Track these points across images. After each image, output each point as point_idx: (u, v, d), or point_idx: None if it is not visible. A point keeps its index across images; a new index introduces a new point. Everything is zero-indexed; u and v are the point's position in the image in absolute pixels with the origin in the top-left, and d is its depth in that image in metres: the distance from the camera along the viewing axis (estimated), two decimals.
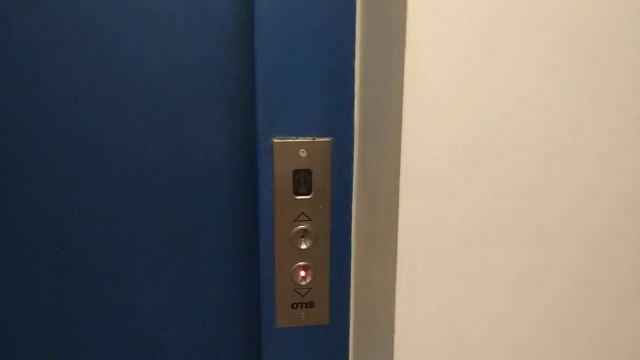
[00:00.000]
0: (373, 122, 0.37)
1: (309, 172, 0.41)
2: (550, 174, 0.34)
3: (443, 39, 0.29)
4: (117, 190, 0.41)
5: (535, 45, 0.31)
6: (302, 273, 0.42)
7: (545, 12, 0.30)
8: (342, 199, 0.42)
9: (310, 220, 0.42)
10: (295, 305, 0.43)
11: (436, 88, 0.30)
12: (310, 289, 0.43)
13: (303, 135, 0.40)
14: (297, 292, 0.43)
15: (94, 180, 0.41)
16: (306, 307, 0.43)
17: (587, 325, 0.37)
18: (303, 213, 0.41)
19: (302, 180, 0.41)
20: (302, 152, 0.40)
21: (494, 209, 0.33)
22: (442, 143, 0.31)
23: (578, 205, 0.35)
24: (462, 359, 0.35)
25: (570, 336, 0.37)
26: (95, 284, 0.43)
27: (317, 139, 0.40)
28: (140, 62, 0.39)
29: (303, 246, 0.42)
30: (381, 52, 0.34)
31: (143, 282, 0.43)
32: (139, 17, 0.38)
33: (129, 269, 0.43)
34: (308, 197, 0.41)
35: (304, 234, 0.42)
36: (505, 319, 0.36)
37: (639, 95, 0.33)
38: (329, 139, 0.41)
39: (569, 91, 0.32)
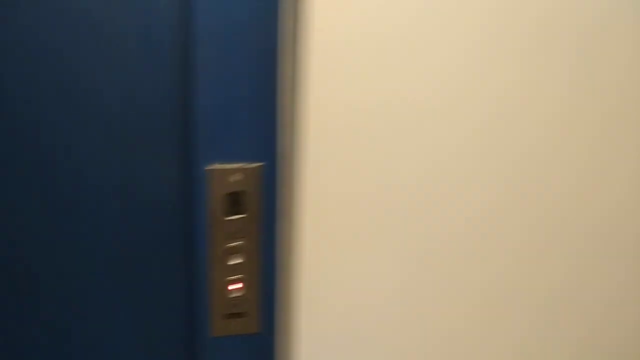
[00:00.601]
0: (292, 148, 0.41)
1: (242, 194, 0.45)
2: (446, 166, 0.40)
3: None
4: (61, 208, 0.43)
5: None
6: (234, 286, 0.46)
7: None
8: (271, 218, 0.46)
9: (243, 237, 0.46)
10: (228, 316, 0.47)
11: (338, 124, 0.35)
12: (242, 300, 0.47)
13: (237, 161, 0.44)
14: (230, 303, 0.47)
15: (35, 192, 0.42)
16: (238, 317, 0.47)
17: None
18: (235, 232, 0.45)
19: (235, 202, 0.45)
20: (235, 176, 0.44)
21: (406, 238, 0.39)
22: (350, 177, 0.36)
23: (470, 198, 0.42)
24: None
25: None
26: (36, 293, 0.44)
27: (249, 165, 0.44)
28: (76, 94, 0.41)
29: (235, 261, 0.46)
30: (290, 88, 0.39)
31: (84, 297, 0.45)
32: (75, 41, 0.40)
33: (69, 285, 0.45)
34: (241, 216, 0.45)
35: (236, 250, 0.46)
36: (405, 323, 0.42)
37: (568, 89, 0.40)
38: (260, 164, 0.45)
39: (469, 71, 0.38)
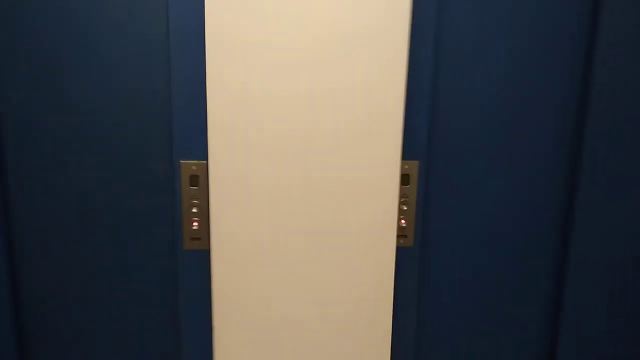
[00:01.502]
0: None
1: (197, 177, 0.89)
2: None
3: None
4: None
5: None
6: (195, 223, 0.91)
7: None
8: (207, 189, 0.89)
9: (198, 198, 0.90)
10: (191, 239, 0.91)
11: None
12: (198, 230, 0.91)
13: (195, 159, 0.88)
14: (193, 231, 0.91)
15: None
16: (197, 240, 0.91)
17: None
18: (194, 194, 0.89)
19: (195, 180, 0.89)
20: (194, 168, 0.88)
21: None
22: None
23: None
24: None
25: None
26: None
27: (200, 161, 0.88)
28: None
29: (194, 210, 0.90)
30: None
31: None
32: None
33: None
34: (197, 188, 0.89)
35: (195, 204, 0.90)
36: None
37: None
38: (204, 162, 0.88)
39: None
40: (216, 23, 0.78)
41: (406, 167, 0.92)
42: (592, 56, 0.91)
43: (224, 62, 0.79)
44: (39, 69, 0.85)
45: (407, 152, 0.91)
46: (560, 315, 1.02)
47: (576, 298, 1.01)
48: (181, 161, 0.87)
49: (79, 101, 0.87)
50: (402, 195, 0.93)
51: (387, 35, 0.80)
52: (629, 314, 1.03)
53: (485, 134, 0.95)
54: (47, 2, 0.83)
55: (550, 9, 0.91)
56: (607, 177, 0.95)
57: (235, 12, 0.78)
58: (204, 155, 0.87)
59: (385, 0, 0.79)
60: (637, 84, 0.92)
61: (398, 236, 0.94)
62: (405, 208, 0.94)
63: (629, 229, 0.98)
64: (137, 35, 0.85)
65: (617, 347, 1.05)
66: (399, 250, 0.94)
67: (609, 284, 1.01)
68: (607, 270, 1.00)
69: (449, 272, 1.01)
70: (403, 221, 0.95)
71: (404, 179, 0.93)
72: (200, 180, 0.88)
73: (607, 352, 1.05)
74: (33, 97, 0.87)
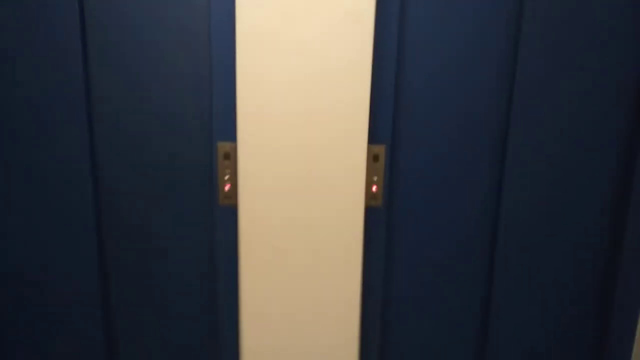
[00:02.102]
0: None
1: (229, 153, 1.29)
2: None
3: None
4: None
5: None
6: (227, 185, 1.31)
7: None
8: (236, 163, 1.29)
9: (230, 168, 1.30)
10: (225, 196, 1.31)
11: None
12: (230, 191, 1.31)
13: (229, 140, 1.28)
14: (227, 192, 1.31)
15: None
16: (229, 198, 1.31)
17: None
18: (227, 166, 1.29)
19: (227, 156, 1.29)
20: (227, 147, 1.28)
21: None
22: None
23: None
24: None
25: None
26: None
27: (232, 142, 1.28)
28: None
29: (227, 176, 1.30)
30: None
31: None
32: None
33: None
34: (229, 161, 1.29)
35: (228, 172, 1.30)
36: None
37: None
38: (235, 143, 1.28)
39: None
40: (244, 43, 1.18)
41: (376, 149, 1.30)
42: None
43: (249, 68, 1.19)
44: (123, 71, 1.27)
45: (375, 137, 1.29)
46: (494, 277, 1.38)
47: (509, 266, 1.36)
48: (218, 142, 1.28)
49: (151, 93, 1.29)
50: (374, 169, 1.31)
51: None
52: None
53: (442, 116, 1.32)
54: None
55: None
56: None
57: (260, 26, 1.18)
58: (234, 138, 1.27)
59: (352, 2, 1.18)
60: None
61: (370, 199, 1.32)
62: (375, 178, 1.32)
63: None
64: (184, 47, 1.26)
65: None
66: (370, 209, 1.32)
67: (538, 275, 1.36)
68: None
69: (409, 227, 1.38)
70: (374, 188, 1.33)
71: (375, 158, 1.31)
72: (232, 156, 1.29)
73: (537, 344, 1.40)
74: (119, 97, 1.29)
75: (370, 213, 1.33)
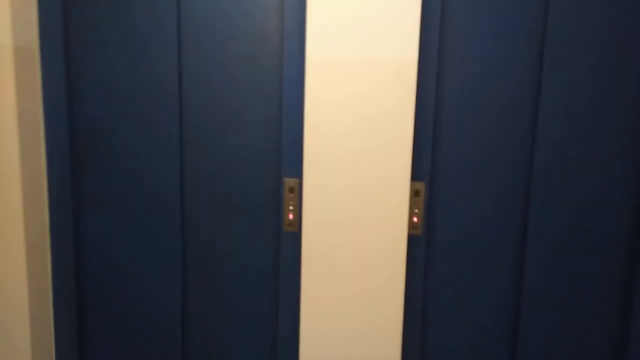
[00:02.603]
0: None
1: (294, 188, 1.55)
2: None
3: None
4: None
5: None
6: (290, 214, 1.56)
7: None
8: (301, 196, 1.55)
9: (294, 201, 1.55)
10: (288, 224, 1.56)
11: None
12: (293, 220, 1.56)
13: (292, 177, 1.54)
14: (289, 220, 1.56)
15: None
16: (291, 225, 1.56)
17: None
18: (291, 198, 1.55)
19: (292, 190, 1.55)
20: (292, 183, 1.54)
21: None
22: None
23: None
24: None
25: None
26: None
27: (296, 179, 1.54)
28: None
29: (291, 208, 1.56)
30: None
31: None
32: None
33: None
34: (293, 194, 1.55)
35: (291, 204, 1.55)
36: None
37: None
38: (299, 179, 1.54)
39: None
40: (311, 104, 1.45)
41: (417, 185, 1.53)
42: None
43: (315, 119, 1.46)
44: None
45: (416, 175, 1.52)
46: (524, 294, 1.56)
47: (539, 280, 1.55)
48: (285, 178, 1.54)
49: (213, 130, 1.57)
50: (416, 203, 1.54)
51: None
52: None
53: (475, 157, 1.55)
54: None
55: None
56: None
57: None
58: (299, 175, 1.53)
59: (399, 63, 1.43)
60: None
61: (411, 229, 1.54)
62: (416, 211, 1.55)
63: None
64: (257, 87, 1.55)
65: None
66: (412, 237, 1.55)
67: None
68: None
69: (445, 252, 1.59)
70: (415, 219, 1.55)
71: (417, 193, 1.54)
72: (296, 190, 1.55)
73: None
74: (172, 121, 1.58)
75: (412, 240, 1.55)
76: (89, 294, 1.69)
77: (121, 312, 1.68)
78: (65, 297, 1.63)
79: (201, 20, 1.52)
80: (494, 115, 1.51)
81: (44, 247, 1.55)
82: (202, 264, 1.64)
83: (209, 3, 1.51)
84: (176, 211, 1.59)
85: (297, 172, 1.53)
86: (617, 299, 1.57)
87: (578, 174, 1.50)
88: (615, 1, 1.42)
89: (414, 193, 1.54)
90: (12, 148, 1.43)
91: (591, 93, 1.46)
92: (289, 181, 1.54)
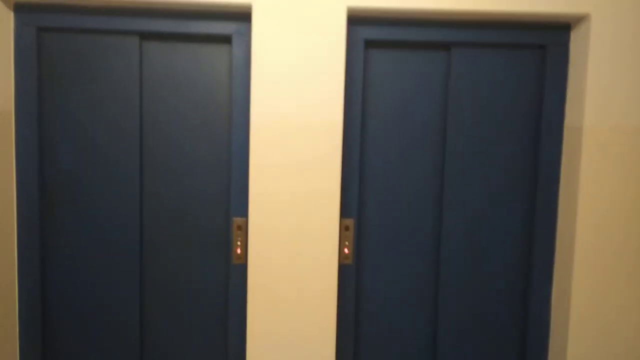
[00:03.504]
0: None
1: (241, 226, 1.79)
2: None
3: None
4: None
5: None
6: (346, 250, 1.80)
7: None
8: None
9: (348, 240, 1.80)
10: (237, 257, 1.80)
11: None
12: (347, 255, 1.80)
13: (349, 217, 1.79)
14: (344, 254, 1.80)
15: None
16: (346, 259, 1.80)
17: None
18: (346, 237, 1.79)
19: (240, 227, 1.79)
20: (239, 221, 1.79)
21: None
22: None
23: None
24: None
25: None
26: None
27: (243, 218, 1.79)
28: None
29: (346, 245, 1.80)
30: None
31: None
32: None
33: None
34: (240, 231, 1.79)
35: (347, 242, 1.80)
36: None
37: None
38: (245, 218, 1.79)
39: None
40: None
41: (346, 222, 1.82)
42: None
43: (258, 169, 1.72)
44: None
45: (346, 213, 1.81)
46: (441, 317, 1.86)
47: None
48: (233, 217, 1.79)
49: (187, 184, 1.81)
50: (346, 236, 1.82)
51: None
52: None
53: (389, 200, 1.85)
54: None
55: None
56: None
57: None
58: (246, 214, 1.78)
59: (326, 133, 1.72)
60: None
61: (343, 258, 1.82)
62: (347, 243, 1.83)
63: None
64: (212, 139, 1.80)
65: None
66: (343, 266, 1.82)
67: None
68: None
69: (372, 277, 1.87)
70: (346, 250, 1.83)
71: (347, 228, 1.82)
72: (243, 228, 1.79)
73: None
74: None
75: (343, 269, 1.83)
76: (54, 316, 1.84)
77: (84, 332, 1.85)
78: (30, 320, 1.77)
79: (161, 84, 1.77)
80: (410, 164, 1.84)
81: (12, 277, 1.70)
82: (158, 290, 1.85)
83: (168, 69, 1.77)
84: (136, 244, 1.79)
85: (244, 212, 1.78)
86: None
87: (482, 222, 1.84)
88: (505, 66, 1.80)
89: (345, 228, 1.82)
90: None
91: (488, 151, 1.82)
92: (237, 220, 1.79)
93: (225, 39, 1.76)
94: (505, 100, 1.83)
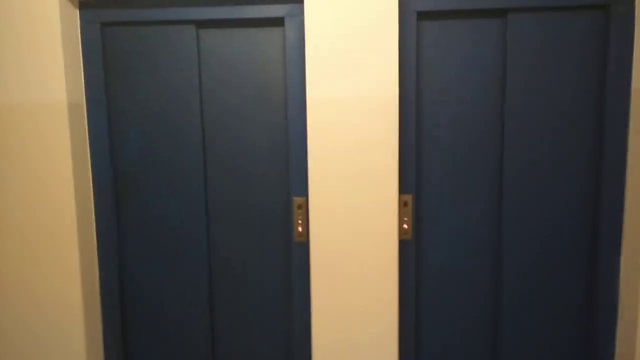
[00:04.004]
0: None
1: (301, 205, 1.83)
2: None
3: None
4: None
5: None
6: (300, 228, 1.84)
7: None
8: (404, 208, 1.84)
9: (407, 215, 1.84)
10: (299, 235, 1.85)
11: None
12: (406, 230, 1.85)
13: (407, 192, 1.83)
14: (299, 232, 1.85)
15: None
16: (405, 233, 1.85)
17: None
18: (300, 215, 1.84)
19: (300, 207, 1.84)
20: (299, 201, 1.83)
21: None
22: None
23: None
24: None
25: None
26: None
27: (303, 197, 1.83)
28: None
29: (405, 225, 1.84)
30: None
31: None
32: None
33: None
34: (301, 210, 1.84)
35: (405, 218, 1.84)
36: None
37: None
38: (305, 197, 1.83)
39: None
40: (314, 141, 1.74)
41: (405, 197, 1.82)
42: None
43: (316, 147, 1.75)
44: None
45: (404, 189, 1.81)
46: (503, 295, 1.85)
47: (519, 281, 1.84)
48: (293, 197, 1.83)
49: (249, 168, 1.86)
50: (405, 212, 1.83)
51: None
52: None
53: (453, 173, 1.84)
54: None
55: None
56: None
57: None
58: (306, 194, 1.82)
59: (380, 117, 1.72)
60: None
61: (402, 234, 1.83)
62: (406, 219, 1.84)
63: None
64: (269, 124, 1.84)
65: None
66: (403, 241, 1.83)
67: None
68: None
69: (432, 252, 1.88)
70: (405, 225, 1.84)
71: (405, 204, 1.83)
72: (303, 207, 1.83)
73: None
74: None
75: (403, 244, 1.84)
76: (130, 303, 1.97)
77: (157, 312, 1.96)
78: (111, 305, 1.90)
79: (218, 71, 1.82)
80: (467, 135, 1.81)
81: (92, 260, 1.83)
82: (225, 273, 1.93)
83: (224, 55, 1.81)
84: (202, 229, 1.87)
85: (303, 191, 1.82)
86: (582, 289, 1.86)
87: (543, 185, 1.80)
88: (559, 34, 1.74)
89: (403, 204, 1.83)
90: (67, 182, 1.72)
91: (550, 116, 1.77)
92: (297, 199, 1.83)
93: (278, 22, 1.78)
94: (566, 66, 1.76)
